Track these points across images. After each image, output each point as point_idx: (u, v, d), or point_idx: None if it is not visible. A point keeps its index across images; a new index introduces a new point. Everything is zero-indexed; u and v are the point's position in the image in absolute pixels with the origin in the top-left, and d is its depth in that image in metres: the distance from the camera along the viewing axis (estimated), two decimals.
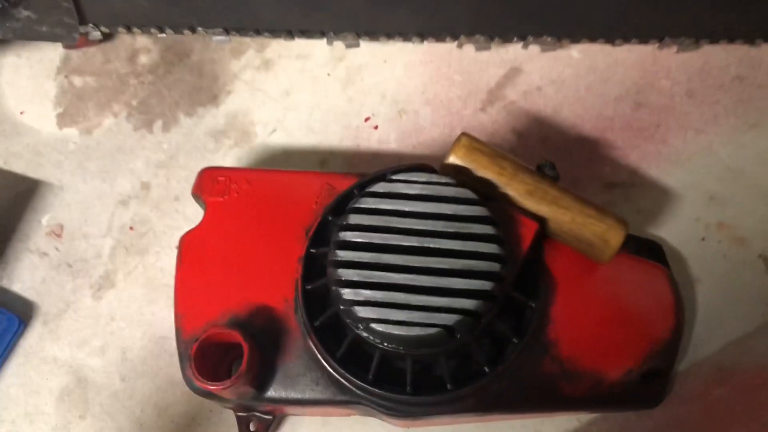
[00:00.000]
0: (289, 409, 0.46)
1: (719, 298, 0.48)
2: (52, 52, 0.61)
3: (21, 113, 0.59)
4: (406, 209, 0.41)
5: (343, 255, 0.40)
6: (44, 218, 0.56)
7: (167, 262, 0.54)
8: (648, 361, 0.44)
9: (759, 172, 0.51)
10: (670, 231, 0.50)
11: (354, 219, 0.41)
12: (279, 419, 0.48)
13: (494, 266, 0.39)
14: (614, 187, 0.51)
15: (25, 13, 0.51)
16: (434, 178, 0.41)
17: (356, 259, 0.40)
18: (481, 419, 0.45)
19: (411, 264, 0.39)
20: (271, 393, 0.43)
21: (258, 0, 0.51)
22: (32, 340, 0.53)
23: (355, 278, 0.39)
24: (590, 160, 0.52)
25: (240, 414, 0.47)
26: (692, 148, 0.52)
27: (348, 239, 0.40)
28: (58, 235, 0.55)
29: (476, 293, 0.38)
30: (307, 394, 0.43)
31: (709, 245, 0.49)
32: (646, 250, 0.48)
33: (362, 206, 0.41)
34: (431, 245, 0.40)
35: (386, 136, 0.55)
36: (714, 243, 0.49)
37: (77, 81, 0.60)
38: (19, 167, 0.58)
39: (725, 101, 0.53)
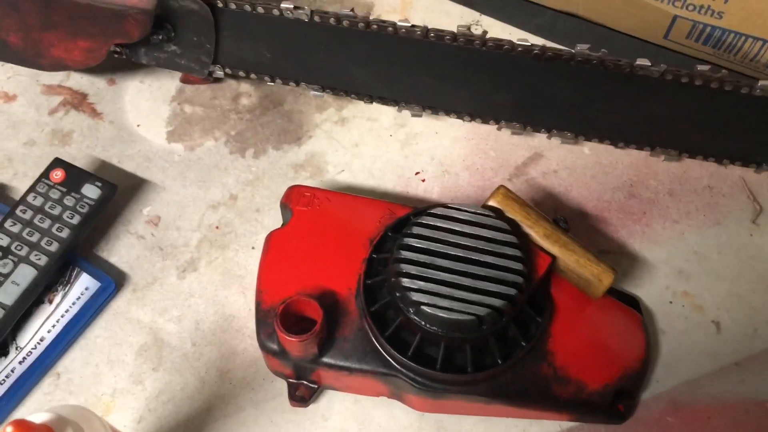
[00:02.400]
0: (333, 380, 0.57)
1: (678, 348, 0.61)
2: (170, 84, 0.75)
3: (137, 125, 0.73)
4: (456, 228, 0.54)
5: (405, 254, 0.53)
6: (145, 209, 0.68)
7: (243, 258, 0.66)
8: (621, 380, 0.56)
9: (717, 259, 0.65)
10: (645, 292, 0.63)
11: (416, 230, 0.54)
12: (320, 390, 0.59)
13: (518, 279, 0.52)
14: (606, 254, 0.65)
15: (173, 47, 0.66)
16: (479, 210, 0.55)
17: (414, 259, 0.53)
18: (486, 409, 0.56)
19: (456, 268, 0.52)
20: (327, 359, 0.55)
21: (354, 69, 0.66)
22: (121, 302, 0.64)
23: (413, 271, 0.52)
24: (589, 231, 0.66)
25: (291, 380, 0.58)
26: (669, 233, 0.66)
27: (410, 243, 0.54)
28: (155, 224, 0.68)
29: (502, 296, 0.51)
30: (356, 364, 0.54)
31: (674, 307, 0.63)
32: (627, 300, 0.61)
33: (423, 222, 0.55)
34: (472, 257, 0.53)
35: (431, 188, 0.69)
36: (678, 306, 0.63)
37: (187, 108, 0.74)
38: (130, 167, 0.70)
39: (697, 202, 0.68)
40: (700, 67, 0.59)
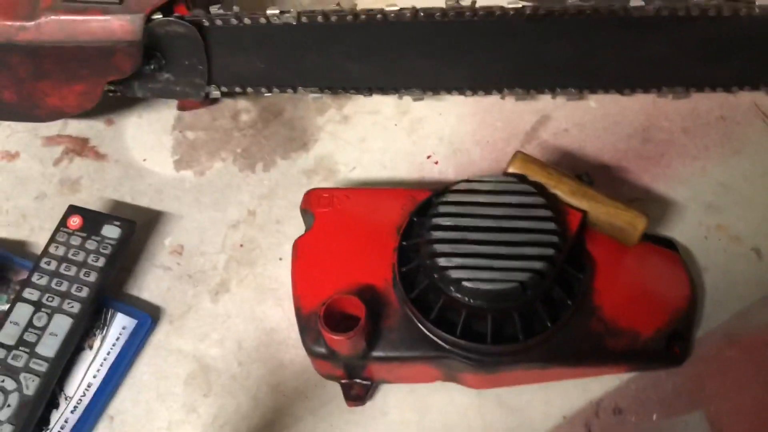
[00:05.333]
0: (386, 373, 0.57)
1: (723, 282, 0.60)
2: (168, 113, 0.75)
3: (144, 160, 0.73)
4: (482, 200, 0.54)
5: (437, 234, 0.53)
6: (167, 240, 0.68)
7: (273, 270, 0.65)
8: (672, 323, 0.55)
9: (744, 186, 0.64)
10: (679, 232, 0.62)
11: (443, 208, 0.54)
12: (374, 386, 0.58)
13: (553, 238, 0.52)
14: (634, 201, 0.64)
15: (166, 75, 0.66)
16: (501, 177, 0.55)
17: (446, 237, 0.52)
18: (543, 374, 0.56)
19: (489, 239, 0.52)
20: (377, 352, 0.54)
21: (349, 64, 0.66)
22: (160, 336, 0.63)
23: (448, 250, 0.52)
24: (612, 182, 0.66)
25: (344, 381, 0.58)
26: (690, 170, 0.66)
27: (439, 222, 0.53)
28: (180, 253, 0.67)
29: (541, 257, 0.51)
30: (406, 352, 0.54)
31: (711, 242, 0.62)
32: (663, 243, 0.61)
33: (448, 200, 0.54)
34: (503, 225, 0.52)
35: (446, 169, 0.69)
36: (715, 240, 0.62)
37: (190, 135, 0.74)
38: (143, 202, 0.70)
39: (713, 135, 0.67)
40: None
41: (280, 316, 0.63)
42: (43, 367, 0.58)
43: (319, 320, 0.52)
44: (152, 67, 0.64)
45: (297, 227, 0.65)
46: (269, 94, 0.69)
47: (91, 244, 0.63)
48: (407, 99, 0.71)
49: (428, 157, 0.69)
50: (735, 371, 0.57)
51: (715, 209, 0.63)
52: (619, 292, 0.55)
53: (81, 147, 0.74)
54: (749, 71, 0.65)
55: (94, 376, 0.60)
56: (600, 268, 0.55)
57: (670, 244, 0.61)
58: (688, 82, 0.66)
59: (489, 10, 0.59)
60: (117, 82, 0.66)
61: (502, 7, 0.59)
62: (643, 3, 0.58)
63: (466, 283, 0.51)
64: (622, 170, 0.66)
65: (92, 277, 0.61)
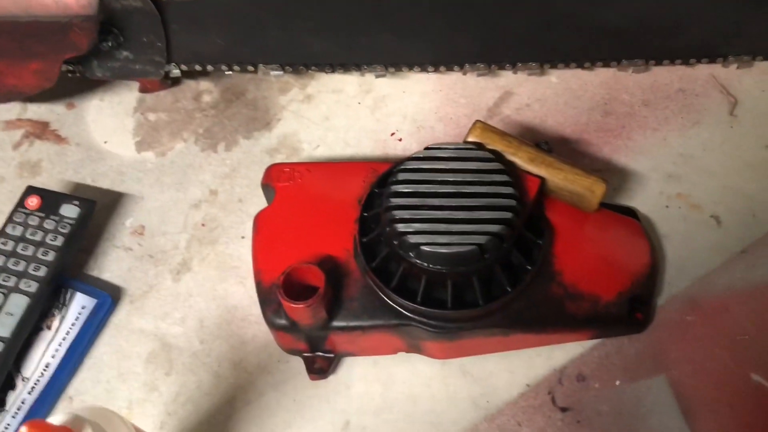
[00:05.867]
0: (348, 344, 0.56)
1: (684, 249, 0.60)
2: (129, 96, 0.74)
3: (105, 142, 0.72)
4: (441, 167, 0.54)
5: (396, 201, 0.52)
6: (128, 221, 0.67)
7: (234, 249, 0.64)
8: (633, 288, 0.56)
9: (703, 156, 0.65)
10: (640, 202, 0.63)
11: (402, 176, 0.53)
12: (337, 359, 0.58)
13: (511, 202, 0.52)
14: (594, 173, 0.64)
15: (124, 53, 0.65)
16: (461, 145, 0.55)
17: (405, 203, 0.52)
18: (505, 341, 0.55)
19: (448, 204, 0.52)
20: (338, 322, 0.54)
21: (310, 40, 0.65)
22: (121, 315, 0.62)
23: (407, 216, 0.52)
24: (574, 155, 0.66)
25: (306, 355, 0.57)
26: (651, 141, 0.66)
27: (398, 190, 0.53)
28: (141, 234, 0.66)
29: (499, 221, 0.51)
30: (367, 321, 0.53)
31: (672, 211, 0.62)
32: (624, 211, 0.61)
33: (408, 167, 0.54)
34: (462, 190, 0.52)
35: (409, 146, 0.69)
36: (675, 209, 0.62)
37: (151, 116, 0.73)
38: (105, 184, 0.69)
39: (672, 107, 0.68)
40: None
41: (242, 293, 0.62)
42: None
43: (278, 290, 0.51)
44: (110, 44, 0.64)
45: (259, 205, 0.65)
46: (230, 73, 0.69)
47: (49, 224, 0.62)
48: (370, 77, 0.70)
49: (392, 134, 0.69)
50: (696, 335, 0.57)
51: (676, 179, 0.64)
52: (580, 258, 0.55)
53: (41, 130, 0.73)
54: (706, 43, 0.66)
55: (53, 357, 0.59)
56: (560, 234, 0.56)
57: (631, 213, 0.61)
58: (648, 54, 0.67)
59: None
60: (75, 60, 0.65)
61: None
62: None
63: (424, 248, 0.50)
64: (584, 143, 0.67)
65: (50, 257, 0.60)
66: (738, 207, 0.62)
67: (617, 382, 0.56)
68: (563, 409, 0.55)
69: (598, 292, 0.54)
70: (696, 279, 0.59)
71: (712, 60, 0.67)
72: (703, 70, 0.69)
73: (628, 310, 0.56)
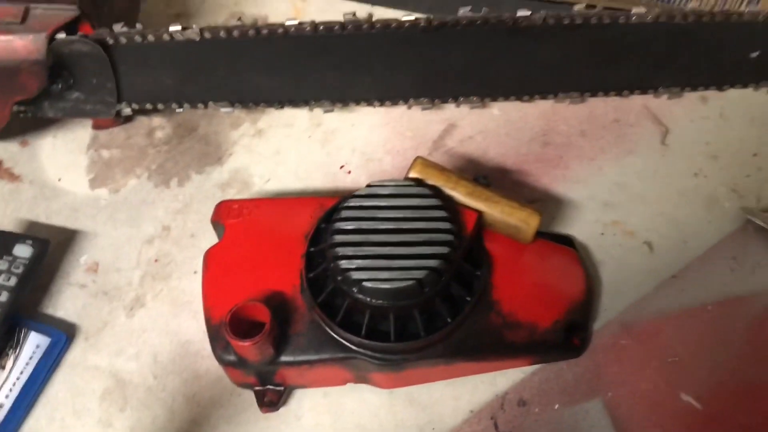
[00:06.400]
0: (297, 377, 0.58)
1: (618, 275, 0.63)
2: (83, 133, 0.75)
3: (59, 180, 0.73)
4: (382, 204, 0.56)
5: (339, 238, 0.54)
6: (82, 258, 0.68)
7: (188, 284, 0.66)
8: (569, 314, 0.58)
9: (637, 184, 0.68)
10: (577, 230, 0.66)
11: (345, 213, 0.56)
12: (288, 391, 0.59)
13: (448, 237, 0.54)
14: (533, 202, 0.67)
15: (75, 94, 0.66)
16: (401, 182, 0.57)
17: (348, 240, 0.54)
18: (448, 370, 0.57)
19: (389, 240, 0.54)
20: (286, 357, 0.55)
21: (258, 78, 0.67)
22: (76, 353, 0.63)
23: (350, 252, 0.54)
24: (514, 185, 0.69)
25: (257, 389, 0.59)
26: (587, 171, 0.69)
27: (342, 227, 0.55)
28: (95, 270, 0.67)
29: (437, 256, 0.53)
30: (314, 355, 0.55)
31: (607, 238, 0.65)
32: (562, 240, 0.64)
33: (350, 204, 0.56)
34: (402, 226, 0.54)
35: (358, 178, 0.71)
36: (610, 236, 0.65)
37: (105, 153, 0.74)
38: (58, 221, 0.70)
39: (608, 137, 0.71)
40: (577, 8, 0.62)
41: (195, 328, 0.63)
42: None
43: (225, 328, 0.53)
44: (60, 86, 0.65)
45: (211, 240, 0.66)
46: (181, 110, 0.70)
47: (2, 264, 0.63)
48: (318, 111, 0.73)
49: (341, 167, 0.71)
50: (629, 358, 0.60)
51: (611, 207, 0.67)
52: (517, 287, 0.58)
53: None
54: (637, 75, 0.69)
55: (7, 396, 0.60)
56: (498, 265, 0.58)
57: (568, 241, 0.64)
58: (583, 87, 0.70)
59: (385, 23, 0.62)
60: (26, 102, 0.66)
61: (397, 20, 0.62)
62: (529, 12, 0.61)
63: (366, 283, 0.52)
64: (524, 173, 0.69)
65: (3, 297, 0.61)
66: (669, 233, 0.65)
67: (556, 406, 0.58)
68: None
69: (535, 320, 0.57)
70: (630, 304, 0.62)
71: (644, 91, 0.70)
72: (636, 101, 0.72)
73: (565, 336, 0.58)
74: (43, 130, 0.76)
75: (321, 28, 0.61)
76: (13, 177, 0.73)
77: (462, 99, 0.70)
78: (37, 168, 0.73)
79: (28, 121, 0.72)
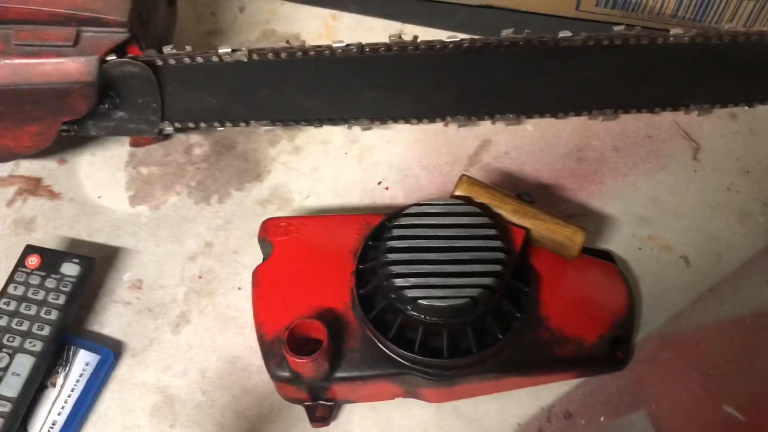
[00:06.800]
0: (348, 393, 0.59)
1: (657, 288, 0.65)
2: (120, 150, 0.76)
3: (99, 197, 0.73)
4: (432, 222, 0.57)
5: (392, 257, 0.56)
6: (125, 275, 0.69)
7: (232, 300, 0.67)
8: (613, 329, 0.60)
9: (671, 199, 0.69)
10: (615, 245, 0.67)
11: (396, 232, 0.57)
12: (338, 406, 0.61)
13: (500, 255, 0.55)
14: (571, 217, 0.68)
15: (120, 113, 0.67)
16: (449, 200, 0.58)
17: (401, 259, 0.55)
18: (497, 385, 0.59)
19: (441, 258, 0.55)
20: (340, 373, 0.56)
21: (300, 98, 0.68)
22: (124, 370, 0.64)
23: (404, 270, 0.55)
24: (550, 200, 0.70)
25: (307, 404, 0.60)
26: (622, 187, 0.71)
27: (394, 245, 0.56)
28: (139, 288, 0.68)
29: (490, 273, 0.54)
30: (367, 371, 0.56)
31: (644, 252, 0.67)
32: (601, 255, 0.65)
33: (401, 223, 0.57)
34: (454, 244, 0.56)
35: (396, 194, 0.72)
36: (647, 250, 0.67)
37: (143, 170, 0.75)
38: (100, 239, 0.71)
39: (641, 153, 0.72)
40: (616, 29, 0.64)
41: (242, 343, 0.64)
42: (6, 407, 0.58)
43: (283, 345, 0.54)
44: (107, 106, 0.66)
45: (254, 257, 0.67)
46: (222, 129, 0.71)
47: (50, 283, 0.64)
48: (356, 128, 0.74)
49: (379, 183, 0.73)
50: (671, 371, 0.61)
51: (646, 221, 0.68)
52: (563, 303, 0.59)
53: (34, 187, 0.74)
54: (670, 93, 0.71)
55: (59, 414, 0.61)
56: (544, 281, 0.59)
57: (607, 256, 0.65)
58: (616, 104, 0.71)
59: (430, 44, 0.63)
60: (71, 121, 0.67)
61: (441, 41, 0.63)
62: (570, 34, 0.63)
63: (421, 301, 0.54)
64: (560, 188, 0.71)
65: (53, 315, 0.62)
66: (705, 247, 0.67)
67: (601, 418, 0.59)
68: None
69: (582, 334, 0.58)
70: (669, 317, 0.63)
71: (675, 108, 0.72)
72: (668, 117, 0.74)
73: (609, 350, 0.60)
74: (81, 148, 0.76)
75: (366, 50, 0.63)
76: (53, 195, 0.74)
77: (498, 116, 0.71)
78: (76, 186, 0.74)
79: (66, 138, 0.73)
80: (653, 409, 0.59)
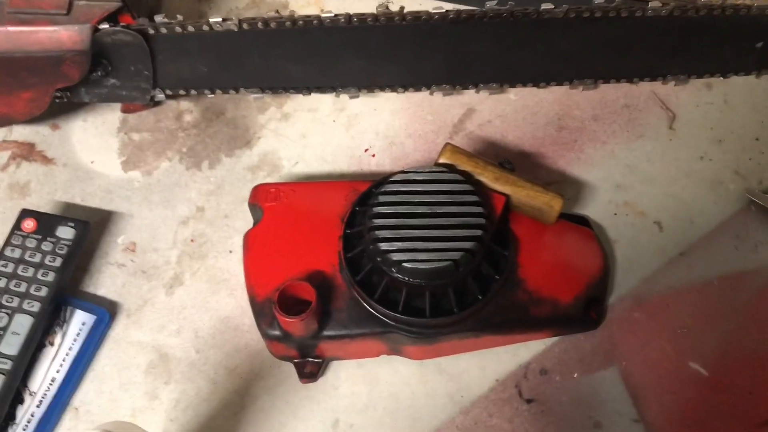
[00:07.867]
0: (336, 350, 0.62)
1: (630, 252, 0.68)
2: (112, 116, 0.78)
3: (91, 162, 0.75)
4: (417, 189, 0.59)
5: (378, 222, 0.58)
6: (119, 239, 0.71)
7: (224, 262, 0.69)
8: (588, 290, 0.63)
9: (647, 167, 0.72)
10: (592, 210, 0.70)
11: (382, 198, 0.59)
12: (326, 363, 0.63)
13: (480, 220, 0.58)
14: (551, 184, 0.71)
15: (112, 80, 0.69)
16: (434, 168, 0.61)
17: (386, 224, 0.58)
18: (476, 343, 0.62)
19: (425, 224, 0.58)
20: (328, 331, 0.59)
21: (289, 66, 0.70)
22: (119, 330, 0.66)
23: (389, 235, 0.57)
24: (531, 167, 0.73)
25: (297, 361, 0.63)
26: (600, 154, 0.73)
27: (380, 211, 0.59)
28: (133, 250, 0.70)
29: (471, 238, 0.57)
30: (354, 330, 0.59)
31: (620, 218, 0.70)
32: (578, 220, 0.68)
33: (387, 189, 0.60)
34: (437, 210, 0.58)
35: (382, 161, 0.74)
36: (623, 216, 0.70)
37: (135, 136, 0.77)
38: (94, 203, 0.73)
39: (619, 121, 0.75)
40: (597, 1, 0.65)
41: (233, 304, 0.67)
42: (6, 365, 0.61)
43: (273, 305, 0.57)
44: (99, 73, 0.67)
45: (244, 221, 0.70)
46: (212, 96, 0.73)
47: (47, 246, 0.66)
48: (344, 96, 0.76)
49: (365, 150, 0.75)
50: (642, 330, 0.65)
51: (623, 188, 0.71)
52: (541, 266, 0.62)
53: (28, 152, 0.76)
54: (648, 64, 0.73)
55: (57, 371, 0.63)
56: (523, 245, 0.62)
57: (584, 221, 0.68)
58: (596, 74, 0.73)
59: (416, 15, 0.65)
60: (64, 88, 0.68)
61: (427, 12, 0.65)
62: (552, 6, 0.65)
63: (406, 264, 0.56)
64: (540, 156, 0.73)
65: (50, 277, 0.64)
66: (677, 213, 0.70)
67: (575, 375, 0.63)
68: (528, 401, 0.62)
69: (558, 295, 0.61)
70: (642, 280, 0.66)
71: (653, 78, 0.74)
72: (645, 87, 0.76)
73: (584, 310, 0.63)
74: (73, 114, 0.78)
75: (354, 19, 0.64)
76: (46, 160, 0.75)
77: (482, 85, 0.73)
78: (69, 151, 0.76)
79: (59, 104, 0.74)
80: (624, 365, 0.63)
